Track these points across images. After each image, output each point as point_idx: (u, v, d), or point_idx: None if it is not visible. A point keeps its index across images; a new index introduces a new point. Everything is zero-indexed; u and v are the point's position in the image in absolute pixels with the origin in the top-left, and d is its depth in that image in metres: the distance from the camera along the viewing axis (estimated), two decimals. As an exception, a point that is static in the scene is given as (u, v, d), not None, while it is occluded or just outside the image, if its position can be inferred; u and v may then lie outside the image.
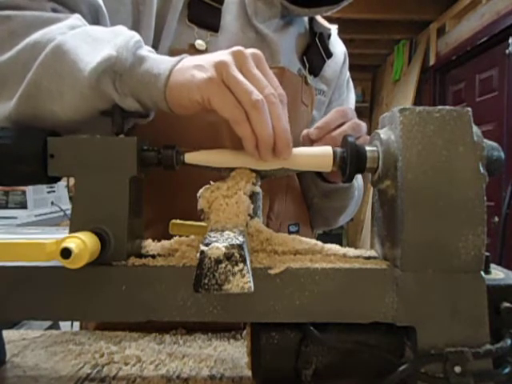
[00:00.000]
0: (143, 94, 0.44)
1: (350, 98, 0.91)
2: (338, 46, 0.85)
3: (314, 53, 0.78)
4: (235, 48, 0.42)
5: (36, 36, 0.45)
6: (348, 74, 0.90)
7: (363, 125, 0.63)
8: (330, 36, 0.82)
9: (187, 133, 0.64)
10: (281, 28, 0.75)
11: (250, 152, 0.41)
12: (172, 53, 0.61)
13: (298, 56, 0.77)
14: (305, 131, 0.64)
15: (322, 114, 0.82)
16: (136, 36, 0.46)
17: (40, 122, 0.45)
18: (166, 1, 0.62)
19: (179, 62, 0.44)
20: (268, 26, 0.72)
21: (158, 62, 0.44)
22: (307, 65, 0.76)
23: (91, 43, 0.45)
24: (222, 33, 0.66)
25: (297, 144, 0.73)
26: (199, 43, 0.63)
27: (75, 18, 0.49)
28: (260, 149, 0.41)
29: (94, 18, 0.54)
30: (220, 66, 0.40)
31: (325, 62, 0.79)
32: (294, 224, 0.75)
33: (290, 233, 0.75)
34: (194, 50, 0.63)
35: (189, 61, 0.44)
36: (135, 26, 0.58)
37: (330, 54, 0.80)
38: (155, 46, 0.61)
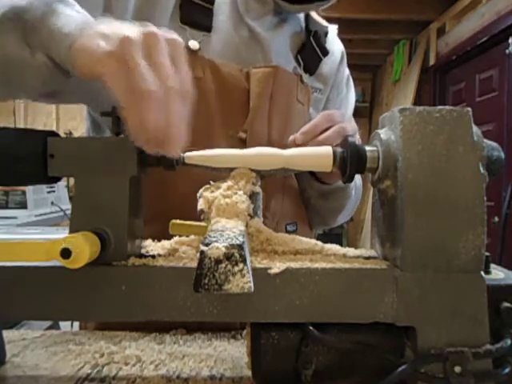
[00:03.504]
0: (52, 50, 0.43)
1: (350, 97, 0.90)
2: (335, 44, 0.85)
3: (309, 51, 0.77)
4: (150, 28, 0.39)
5: None
6: (347, 72, 0.89)
7: (349, 128, 0.63)
8: (326, 34, 0.81)
9: None
10: (274, 26, 0.75)
11: (133, 139, 0.38)
12: None
13: (293, 54, 0.76)
14: (291, 137, 0.63)
15: (320, 111, 0.81)
16: None
17: None
18: (150, 1, 0.62)
19: (90, 25, 0.42)
20: (261, 24, 0.72)
21: (70, 21, 0.43)
22: (302, 63, 0.76)
23: None
24: (214, 32, 0.67)
25: (293, 144, 0.74)
26: (192, 43, 0.64)
27: None
28: (143, 139, 0.37)
29: None
30: (124, 43, 0.37)
31: (321, 59, 0.79)
32: (291, 223, 0.75)
33: (287, 232, 0.74)
34: (188, 51, 0.62)
35: (99, 27, 0.41)
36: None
37: (326, 52, 0.79)
38: None
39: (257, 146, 0.66)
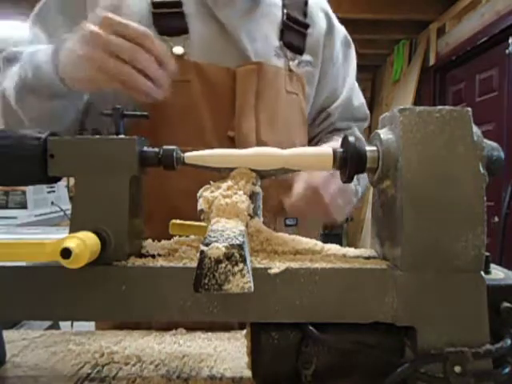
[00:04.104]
0: (56, 90, 0.62)
1: (349, 65, 0.87)
2: (318, 12, 0.81)
3: (290, 31, 0.75)
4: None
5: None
6: (342, 35, 0.85)
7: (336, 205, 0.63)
8: (306, 3, 0.79)
9: (172, 133, 0.66)
10: (248, 10, 0.73)
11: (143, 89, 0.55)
12: None
13: (276, 34, 0.75)
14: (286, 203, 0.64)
15: (315, 85, 0.81)
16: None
17: None
18: (135, 20, 0.64)
19: (55, 52, 0.60)
20: (231, 12, 0.71)
21: (43, 62, 0.61)
22: (287, 52, 0.75)
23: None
24: (192, 33, 0.68)
25: (292, 133, 0.75)
26: (176, 49, 0.67)
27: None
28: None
29: None
30: (92, 38, 0.54)
31: (305, 35, 0.77)
32: (290, 217, 0.75)
33: (286, 226, 0.74)
34: (173, 57, 0.65)
35: (64, 49, 0.59)
36: None
37: (305, 25, 0.77)
38: None
39: (245, 142, 0.69)
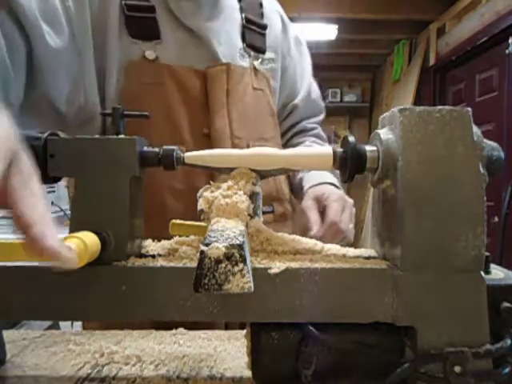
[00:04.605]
0: None
1: (305, 60, 0.93)
2: (272, 12, 0.88)
3: (251, 33, 0.81)
4: None
5: None
6: (293, 34, 0.91)
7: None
8: (261, 5, 0.85)
9: (149, 133, 0.67)
10: (212, 16, 0.77)
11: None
12: (127, 65, 0.68)
13: (240, 36, 0.80)
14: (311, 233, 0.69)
15: (279, 80, 0.87)
16: None
17: None
18: (102, 17, 0.67)
19: None
20: (197, 19, 0.75)
21: None
22: (251, 52, 0.80)
23: None
24: (163, 39, 0.71)
25: (261, 127, 0.80)
26: (148, 54, 0.69)
27: None
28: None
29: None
30: None
31: (264, 35, 0.83)
32: (267, 205, 0.79)
33: (263, 213, 0.76)
34: (147, 61, 0.69)
35: None
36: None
37: (263, 26, 0.83)
38: (101, 59, 0.67)
39: (220, 138, 0.72)
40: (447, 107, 0.37)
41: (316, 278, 0.37)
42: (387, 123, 0.41)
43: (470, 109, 0.38)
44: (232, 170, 0.43)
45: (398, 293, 0.37)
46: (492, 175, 0.39)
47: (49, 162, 0.39)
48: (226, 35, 0.77)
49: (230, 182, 0.41)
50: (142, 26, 0.70)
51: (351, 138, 0.40)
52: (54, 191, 2.46)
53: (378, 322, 0.37)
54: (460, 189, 0.36)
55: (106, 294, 0.38)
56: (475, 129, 0.37)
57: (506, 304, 0.37)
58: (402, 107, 0.38)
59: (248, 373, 0.43)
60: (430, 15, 3.07)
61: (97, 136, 0.40)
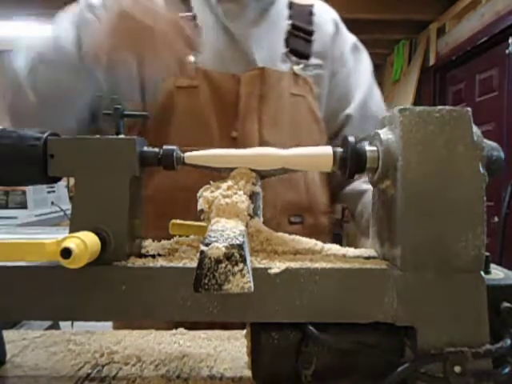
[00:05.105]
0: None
1: (362, 68, 0.88)
2: (325, 17, 0.86)
3: (295, 39, 0.80)
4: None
5: None
6: (351, 40, 0.88)
7: None
8: (311, 12, 0.84)
9: (178, 134, 0.72)
10: (255, 20, 0.78)
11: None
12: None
13: (282, 42, 0.79)
14: None
15: (325, 87, 0.83)
16: None
17: None
18: None
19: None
20: (240, 22, 0.76)
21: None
22: (292, 57, 0.79)
23: None
24: (203, 44, 0.71)
25: (299, 133, 0.78)
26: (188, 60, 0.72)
27: None
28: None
29: None
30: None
31: (310, 41, 0.81)
32: (296, 215, 0.76)
33: (290, 224, 0.76)
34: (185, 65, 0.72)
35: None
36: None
37: (310, 32, 0.82)
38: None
39: (248, 143, 0.72)
40: (447, 107, 0.37)
41: (316, 278, 0.37)
42: (387, 123, 0.41)
43: (469, 109, 0.38)
44: (232, 169, 0.43)
45: (398, 293, 0.37)
46: (492, 175, 0.39)
47: (49, 161, 0.39)
48: (267, 40, 0.78)
49: (229, 182, 0.41)
50: None
51: (351, 138, 0.40)
52: (54, 191, 2.46)
53: (378, 322, 0.37)
54: (460, 189, 0.36)
55: (106, 294, 0.38)
56: (475, 129, 0.37)
57: (505, 304, 0.37)
58: (401, 107, 0.38)
59: (248, 373, 0.43)
60: (430, 15, 3.07)
61: (97, 136, 0.40)
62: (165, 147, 0.41)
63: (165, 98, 0.73)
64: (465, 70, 2.81)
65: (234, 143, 0.72)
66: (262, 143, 0.73)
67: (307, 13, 0.83)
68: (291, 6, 0.83)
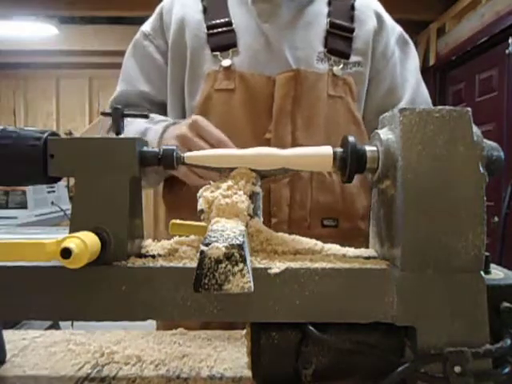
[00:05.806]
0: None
1: (409, 63, 0.84)
2: (367, 11, 0.82)
3: (334, 38, 0.77)
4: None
5: None
6: (397, 33, 0.84)
7: None
8: (353, 7, 0.80)
9: None
10: (291, 19, 0.77)
11: None
12: (207, 74, 0.76)
13: (320, 40, 0.77)
14: None
15: (365, 84, 0.81)
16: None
17: None
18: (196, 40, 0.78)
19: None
20: (275, 24, 0.76)
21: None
22: (331, 57, 0.77)
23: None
24: (240, 46, 0.75)
25: (336, 135, 0.76)
26: (225, 62, 0.75)
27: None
28: None
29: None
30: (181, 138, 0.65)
31: (350, 38, 0.78)
32: (329, 218, 0.75)
33: (323, 227, 0.74)
34: (222, 68, 0.75)
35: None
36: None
37: (350, 30, 0.78)
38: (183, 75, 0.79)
39: (281, 145, 0.71)
40: (447, 107, 0.37)
41: (316, 278, 0.37)
42: (387, 123, 0.41)
43: (469, 109, 0.38)
44: (232, 169, 0.43)
45: (398, 293, 0.37)
46: (492, 175, 0.39)
47: (49, 161, 0.39)
48: (303, 40, 0.76)
49: (229, 182, 0.41)
50: (220, 39, 0.76)
51: (351, 138, 0.40)
52: (54, 191, 2.46)
53: (378, 322, 0.37)
54: (460, 189, 0.36)
55: (106, 294, 0.38)
56: (475, 129, 0.37)
57: (505, 304, 0.37)
58: (402, 107, 0.38)
59: (248, 373, 0.43)
60: (430, 15, 3.06)
61: (97, 136, 0.40)
62: (165, 147, 0.41)
63: (203, 100, 0.75)
64: (465, 69, 2.81)
65: (268, 145, 0.69)
66: (296, 145, 0.69)
67: (348, 8, 0.80)
68: (330, 2, 0.80)
